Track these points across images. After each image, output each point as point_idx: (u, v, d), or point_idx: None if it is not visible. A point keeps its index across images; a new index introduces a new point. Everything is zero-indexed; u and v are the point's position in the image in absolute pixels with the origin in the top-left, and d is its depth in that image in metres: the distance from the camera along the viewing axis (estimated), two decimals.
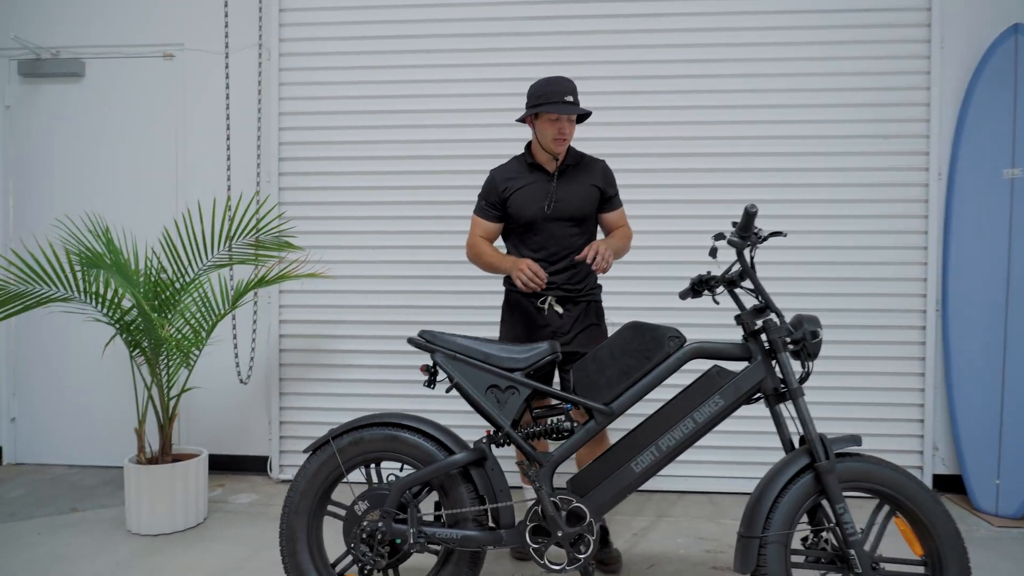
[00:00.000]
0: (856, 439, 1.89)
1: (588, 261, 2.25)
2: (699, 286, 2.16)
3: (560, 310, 2.48)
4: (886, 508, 1.98)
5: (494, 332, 3.53)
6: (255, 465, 3.66)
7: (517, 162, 2.55)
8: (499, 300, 3.53)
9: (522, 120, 2.51)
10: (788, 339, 1.93)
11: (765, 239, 1.97)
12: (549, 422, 2.03)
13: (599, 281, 2.71)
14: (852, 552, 1.83)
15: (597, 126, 3.45)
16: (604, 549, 2.54)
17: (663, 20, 3.44)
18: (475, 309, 3.54)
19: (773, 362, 1.96)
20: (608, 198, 2.55)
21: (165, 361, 2.93)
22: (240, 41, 3.60)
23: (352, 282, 3.60)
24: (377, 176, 3.58)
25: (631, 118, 3.46)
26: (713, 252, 2.01)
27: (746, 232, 1.94)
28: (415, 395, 3.57)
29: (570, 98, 2.37)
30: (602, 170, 2.55)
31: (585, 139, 3.45)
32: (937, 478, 3.39)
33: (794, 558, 2.53)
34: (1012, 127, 3.17)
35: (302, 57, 3.57)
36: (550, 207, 2.46)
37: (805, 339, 1.90)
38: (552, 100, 2.37)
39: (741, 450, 3.44)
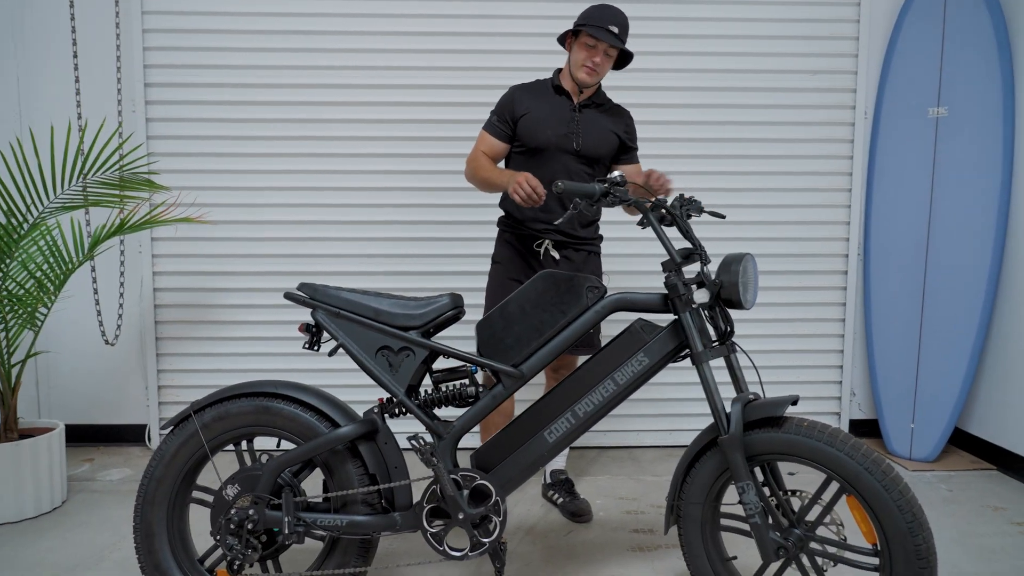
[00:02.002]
0: (791, 399, 1.60)
1: (652, 182, 1.93)
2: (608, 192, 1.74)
3: (556, 255, 2.33)
4: (836, 485, 1.74)
5: (397, 284, 3.21)
6: (132, 435, 3.25)
7: (541, 84, 2.39)
8: (403, 249, 3.20)
9: (562, 42, 2.33)
10: (689, 296, 1.66)
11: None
12: (450, 387, 1.76)
13: (600, 231, 2.50)
14: (755, 535, 1.59)
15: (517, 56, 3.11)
16: (573, 500, 2.49)
17: None
18: (377, 258, 3.20)
19: (708, 315, 1.71)
20: (628, 149, 2.41)
21: (2, 321, 2.47)
22: None
23: (236, 228, 3.17)
24: (265, 107, 3.12)
25: (545, 46, 3.13)
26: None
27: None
28: (320, 354, 3.23)
29: (615, 29, 2.18)
30: (627, 121, 2.41)
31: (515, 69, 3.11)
32: (854, 423, 3.37)
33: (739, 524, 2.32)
34: (939, 64, 3.04)
35: None
36: (578, 143, 2.29)
37: (722, 288, 1.63)
38: (595, 24, 2.17)
39: (664, 402, 3.30)
